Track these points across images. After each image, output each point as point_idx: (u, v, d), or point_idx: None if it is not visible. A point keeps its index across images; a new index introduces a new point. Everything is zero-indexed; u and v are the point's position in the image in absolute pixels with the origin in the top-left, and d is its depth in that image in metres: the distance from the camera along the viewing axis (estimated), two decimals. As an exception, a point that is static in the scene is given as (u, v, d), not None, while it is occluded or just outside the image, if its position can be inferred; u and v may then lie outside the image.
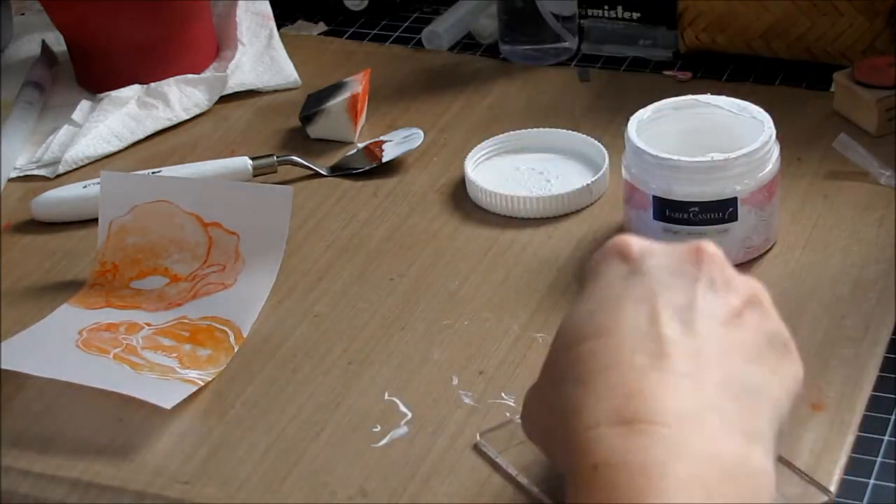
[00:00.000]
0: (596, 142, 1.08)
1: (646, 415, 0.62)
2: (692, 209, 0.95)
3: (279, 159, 1.11)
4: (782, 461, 0.79)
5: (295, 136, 1.17)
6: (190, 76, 1.22)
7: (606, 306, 0.68)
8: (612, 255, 0.70)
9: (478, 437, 0.84)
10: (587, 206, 1.04)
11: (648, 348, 0.65)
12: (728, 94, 1.00)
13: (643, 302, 0.67)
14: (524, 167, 1.08)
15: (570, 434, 0.64)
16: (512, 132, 1.11)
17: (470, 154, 1.08)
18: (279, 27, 1.30)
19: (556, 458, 0.67)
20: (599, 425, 0.63)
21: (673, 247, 0.70)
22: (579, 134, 1.09)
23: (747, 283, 0.71)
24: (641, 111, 0.99)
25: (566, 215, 1.04)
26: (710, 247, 0.70)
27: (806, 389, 0.85)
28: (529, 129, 1.11)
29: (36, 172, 1.15)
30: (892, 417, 0.85)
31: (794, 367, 0.70)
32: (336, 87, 1.17)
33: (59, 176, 1.14)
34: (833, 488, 0.79)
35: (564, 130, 1.10)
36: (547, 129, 1.11)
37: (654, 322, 0.66)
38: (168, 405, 0.86)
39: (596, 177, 1.04)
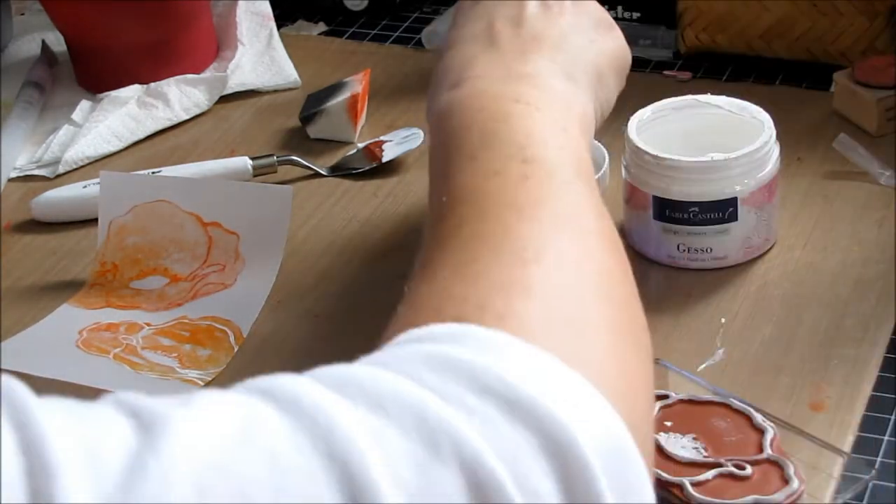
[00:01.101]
0: (596, 142, 1.08)
1: (474, 72, 0.79)
2: (692, 209, 0.94)
3: (279, 159, 1.11)
4: (795, 429, 0.81)
5: (295, 136, 1.17)
6: (190, 76, 1.22)
7: (455, 28, 0.85)
8: None
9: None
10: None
11: (481, 42, 0.81)
12: (728, 94, 1.00)
13: (482, 18, 0.83)
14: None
15: (429, 109, 0.80)
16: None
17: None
18: (279, 27, 1.30)
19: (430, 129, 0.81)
20: (442, 95, 0.78)
21: None
22: (579, 134, 1.09)
23: None
24: (641, 111, 0.99)
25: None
26: None
27: (806, 390, 0.85)
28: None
29: (36, 172, 1.15)
30: (892, 417, 0.85)
31: (617, 40, 0.87)
32: (336, 87, 1.17)
33: (59, 176, 1.14)
34: (833, 488, 0.79)
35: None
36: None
37: (489, 26, 0.82)
38: (168, 405, 0.86)
39: (594, 178, 1.04)
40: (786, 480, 0.78)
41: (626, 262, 0.69)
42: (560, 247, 0.65)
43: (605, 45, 0.85)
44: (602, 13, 0.87)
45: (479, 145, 0.72)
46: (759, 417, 0.82)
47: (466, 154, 0.72)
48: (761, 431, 0.81)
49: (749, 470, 0.79)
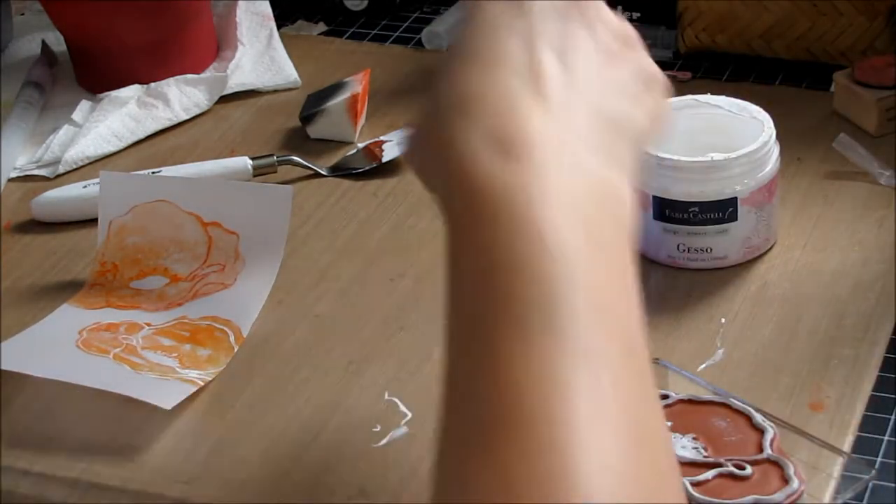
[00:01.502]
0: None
1: (519, 135, 0.63)
2: (692, 209, 0.95)
3: (279, 159, 1.11)
4: (794, 429, 0.81)
5: (295, 136, 1.17)
6: (190, 76, 1.22)
7: (484, 34, 0.68)
8: None
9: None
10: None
11: (522, 74, 0.65)
12: (728, 94, 1.00)
13: (519, 32, 0.67)
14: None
15: (445, 158, 0.64)
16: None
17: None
18: (279, 27, 1.30)
19: (434, 188, 0.67)
20: (478, 149, 0.62)
21: None
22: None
23: (622, 24, 0.73)
24: (641, 111, 0.99)
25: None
26: None
27: (806, 390, 0.85)
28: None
29: (36, 172, 1.15)
30: (892, 417, 0.85)
31: (660, 103, 0.73)
32: (336, 87, 1.17)
33: (59, 176, 1.14)
34: (833, 488, 0.79)
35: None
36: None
37: (531, 52, 0.66)
38: (168, 405, 0.86)
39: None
40: (786, 480, 0.78)
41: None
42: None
43: (649, 106, 0.72)
44: (650, 63, 0.75)
45: (527, 285, 0.59)
46: (758, 417, 0.82)
47: (507, 314, 0.58)
48: (761, 431, 0.81)
49: (749, 470, 0.79)
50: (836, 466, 0.80)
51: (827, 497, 0.79)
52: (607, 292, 0.60)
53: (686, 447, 0.81)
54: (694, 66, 1.21)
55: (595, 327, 0.58)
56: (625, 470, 0.55)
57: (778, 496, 0.77)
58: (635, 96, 0.70)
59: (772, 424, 0.82)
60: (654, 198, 0.95)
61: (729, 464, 0.79)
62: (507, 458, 0.55)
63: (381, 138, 1.14)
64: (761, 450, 0.80)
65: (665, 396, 0.84)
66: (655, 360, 0.88)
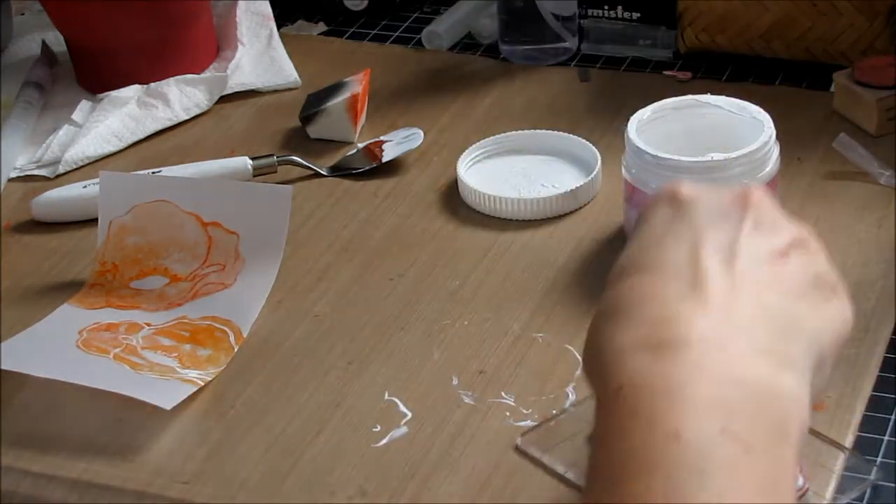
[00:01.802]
0: (590, 144, 1.08)
1: (673, 339, 0.62)
2: (692, 209, 0.94)
3: (279, 159, 1.11)
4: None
5: (295, 136, 1.17)
6: (190, 76, 1.22)
7: (649, 244, 0.68)
8: (662, 198, 0.70)
9: (518, 440, 0.84)
10: (582, 207, 1.04)
11: (685, 279, 0.65)
12: (728, 94, 1.00)
13: (685, 240, 0.67)
14: (517, 169, 1.08)
15: (601, 359, 0.64)
16: (506, 134, 1.11)
17: (462, 155, 1.09)
18: (279, 27, 1.30)
19: (593, 387, 0.66)
20: (626, 350, 0.63)
21: (722, 190, 0.70)
22: (574, 136, 1.09)
23: (795, 227, 0.70)
24: (641, 111, 0.99)
25: (566, 215, 1.04)
26: (759, 191, 0.70)
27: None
28: (524, 131, 1.11)
29: (36, 172, 1.15)
30: (892, 417, 0.85)
31: (841, 310, 0.69)
32: (336, 87, 1.17)
33: (59, 176, 1.14)
34: (833, 488, 0.79)
35: (559, 132, 1.10)
36: (542, 131, 1.11)
37: (694, 257, 0.66)
38: (168, 406, 0.86)
39: (581, 183, 1.04)
40: None
41: None
42: None
43: (829, 315, 0.68)
44: (828, 267, 0.70)
45: (661, 496, 0.58)
46: None
47: (641, 496, 0.58)
48: None
49: None
50: (840, 464, 0.80)
51: (828, 495, 0.79)
52: (745, 501, 0.58)
53: None
54: (694, 66, 1.21)
55: None
56: None
57: None
58: (809, 298, 0.67)
59: None
60: (654, 198, 0.95)
61: None
62: None
63: (381, 138, 1.14)
64: None
65: None
66: None
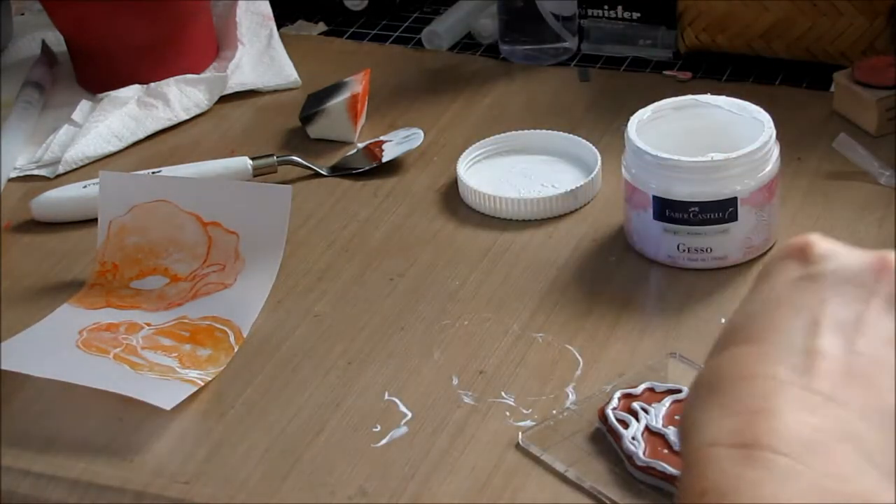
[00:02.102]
0: (590, 144, 1.08)
1: (768, 439, 0.55)
2: (692, 209, 0.95)
3: (279, 159, 1.11)
4: None
5: (295, 136, 1.17)
6: (190, 76, 1.22)
7: (765, 309, 0.60)
8: (791, 253, 0.62)
9: (520, 438, 0.84)
10: (582, 207, 1.04)
11: (795, 361, 0.57)
12: (728, 94, 1.00)
13: (806, 310, 0.58)
14: (516, 169, 1.08)
15: (687, 448, 0.57)
16: (506, 134, 1.11)
17: (462, 155, 1.09)
18: (279, 27, 1.30)
19: (682, 473, 0.60)
20: (716, 444, 0.56)
21: (859, 254, 0.61)
22: (574, 136, 1.09)
23: None
24: (641, 111, 0.99)
25: (566, 215, 1.04)
26: None
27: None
28: (524, 131, 1.11)
29: (36, 172, 1.15)
30: (892, 417, 0.85)
31: None
32: (336, 87, 1.17)
33: (59, 176, 1.14)
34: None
35: (559, 132, 1.10)
36: (541, 131, 1.11)
37: (811, 333, 0.57)
38: (168, 406, 0.86)
39: (581, 183, 1.04)
40: None
41: None
42: None
43: None
44: None
45: None
46: None
47: None
48: None
49: None
50: None
51: None
52: None
53: None
54: (694, 66, 1.21)
55: None
56: None
57: None
58: None
59: None
60: (654, 198, 0.95)
61: None
62: None
63: (381, 138, 1.14)
64: None
65: (678, 391, 0.84)
66: (672, 354, 0.88)
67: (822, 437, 0.55)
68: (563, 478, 0.81)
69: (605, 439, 0.83)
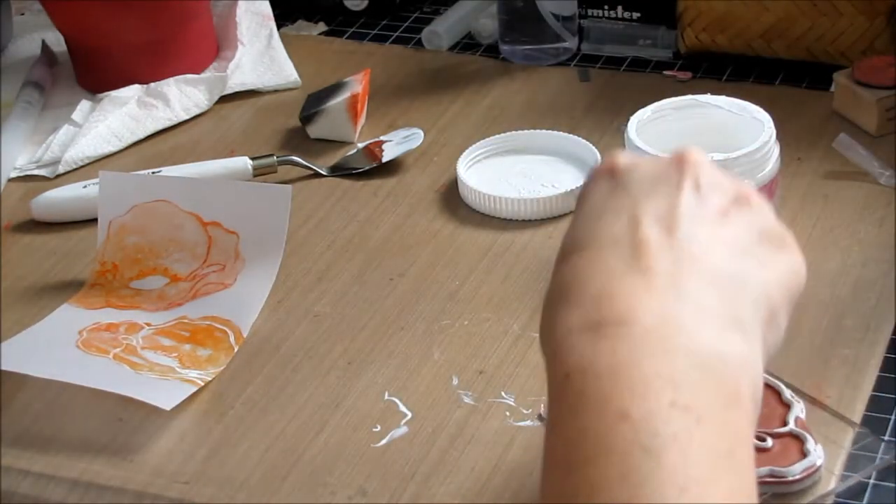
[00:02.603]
0: (590, 144, 1.08)
1: (614, 316, 0.61)
2: (692, 209, 0.94)
3: (279, 159, 1.11)
4: (806, 397, 0.83)
5: (295, 136, 1.17)
6: (190, 76, 1.22)
7: (588, 220, 0.66)
8: (600, 172, 0.69)
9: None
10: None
11: (624, 253, 0.63)
12: (728, 94, 1.00)
13: (624, 211, 0.65)
14: (517, 169, 1.08)
15: (548, 345, 0.63)
16: (506, 134, 1.11)
17: (463, 155, 1.09)
18: (279, 27, 1.30)
19: (547, 372, 0.65)
20: (571, 333, 0.61)
21: (658, 158, 0.69)
22: (574, 136, 1.09)
23: (735, 184, 0.68)
24: (641, 111, 0.99)
25: (566, 215, 1.04)
26: (695, 152, 0.68)
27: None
28: (524, 131, 1.11)
29: (36, 172, 1.15)
30: (892, 417, 0.85)
31: (791, 261, 0.67)
32: (336, 87, 1.17)
33: (59, 176, 1.14)
34: (855, 464, 0.79)
35: (559, 132, 1.10)
36: (541, 131, 1.11)
37: (633, 228, 0.64)
38: (168, 406, 0.86)
39: (581, 183, 1.04)
40: (804, 454, 0.79)
41: None
42: None
43: (777, 267, 0.66)
44: (773, 221, 0.68)
45: (618, 479, 0.56)
46: (787, 392, 0.83)
47: (597, 480, 0.57)
48: (788, 406, 0.82)
49: (769, 442, 0.80)
50: (848, 440, 0.81)
51: (837, 470, 0.79)
52: (703, 473, 0.56)
53: None
54: (694, 66, 1.21)
55: None
56: None
57: (794, 468, 0.78)
58: (756, 254, 0.65)
59: (800, 400, 0.82)
60: (654, 198, 0.95)
61: None
62: None
63: (381, 138, 1.14)
64: (785, 423, 0.81)
65: None
66: None
67: (662, 306, 0.61)
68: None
69: None
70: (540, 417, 0.84)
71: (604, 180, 0.68)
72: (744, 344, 0.62)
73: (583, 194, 0.69)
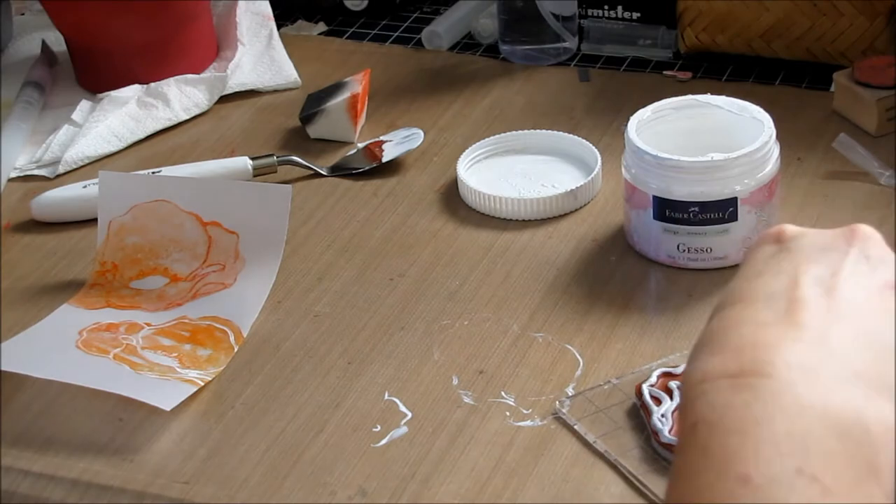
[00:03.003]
0: (590, 144, 1.08)
1: (754, 366, 0.58)
2: (692, 209, 0.95)
3: (279, 159, 1.11)
4: None
5: (295, 136, 1.17)
6: (190, 76, 1.22)
7: (748, 278, 0.65)
8: (766, 237, 0.68)
9: (556, 404, 0.85)
10: (582, 207, 1.04)
11: (778, 307, 0.61)
12: (728, 94, 1.00)
13: (784, 273, 0.64)
14: (517, 169, 1.08)
15: (683, 392, 0.61)
16: (506, 134, 1.11)
17: (462, 155, 1.09)
18: (279, 27, 1.30)
19: (679, 422, 0.64)
20: (706, 380, 0.59)
21: (828, 230, 0.67)
22: (574, 136, 1.09)
23: None
24: (641, 111, 0.99)
25: (566, 215, 1.04)
26: (867, 228, 0.66)
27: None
28: (524, 131, 1.11)
29: (36, 172, 1.15)
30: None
31: None
32: (336, 87, 1.17)
33: (59, 176, 1.14)
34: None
35: (559, 132, 1.10)
36: (542, 131, 1.11)
37: (791, 286, 0.62)
38: (167, 407, 0.86)
39: (581, 183, 1.04)
40: None
41: None
42: None
43: None
44: None
45: None
46: None
47: None
48: None
49: None
50: None
51: None
52: None
53: None
54: (694, 66, 1.21)
55: None
56: None
57: None
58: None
59: None
60: (654, 198, 0.95)
61: None
62: None
63: (381, 138, 1.14)
64: None
65: None
66: None
67: (807, 360, 0.58)
68: (590, 446, 0.82)
69: (638, 414, 0.84)
70: (657, 440, 0.82)
71: (769, 245, 0.67)
72: (888, 410, 0.57)
73: (746, 256, 0.68)
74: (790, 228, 0.67)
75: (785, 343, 0.59)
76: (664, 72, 1.21)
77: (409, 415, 0.87)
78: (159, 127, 1.19)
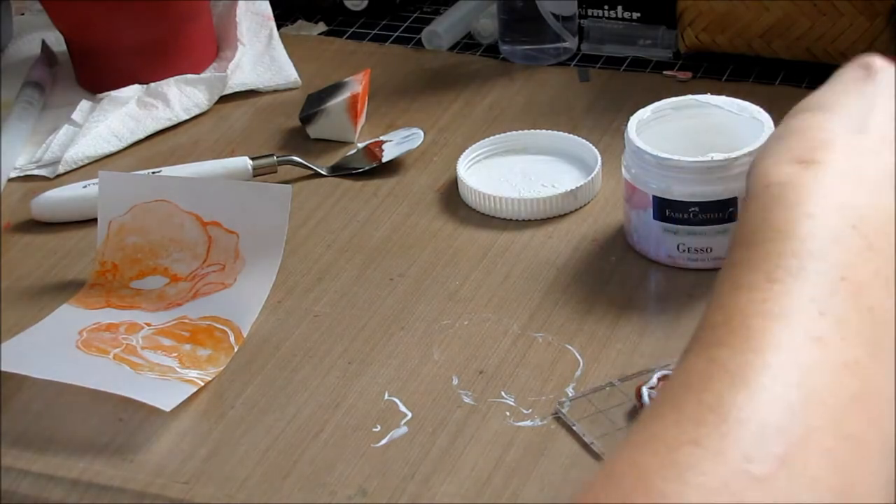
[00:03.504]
0: (590, 144, 1.08)
1: (822, 154, 0.66)
2: (692, 209, 0.95)
3: (279, 159, 1.11)
4: None
5: (295, 136, 1.17)
6: (190, 76, 1.22)
7: (833, 90, 0.72)
8: (856, 64, 0.73)
9: (557, 404, 0.85)
10: (582, 207, 1.04)
11: (851, 123, 0.68)
12: (728, 94, 1.00)
13: (867, 97, 0.70)
14: (517, 169, 1.08)
15: (756, 170, 0.68)
16: (506, 134, 1.11)
17: (463, 155, 1.09)
18: (279, 27, 1.30)
19: (747, 196, 0.69)
20: (780, 162, 0.66)
21: None
22: (574, 136, 1.09)
23: None
24: (641, 111, 0.99)
25: (566, 215, 1.04)
26: None
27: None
28: (524, 131, 1.11)
29: (36, 172, 1.15)
30: (892, 417, 0.85)
31: None
32: (336, 87, 1.17)
33: (59, 176, 1.14)
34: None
35: (559, 132, 1.10)
36: (541, 131, 1.11)
37: (869, 112, 0.69)
38: (167, 407, 0.86)
39: (581, 183, 1.04)
40: None
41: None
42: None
43: None
44: None
45: (774, 256, 0.61)
46: None
47: (753, 262, 0.62)
48: None
49: None
50: None
51: None
52: (861, 277, 0.60)
53: None
54: (694, 66, 1.21)
55: (836, 298, 0.59)
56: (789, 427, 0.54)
57: None
58: None
59: None
60: (654, 198, 0.95)
61: None
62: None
63: (381, 138, 1.14)
64: None
65: None
66: None
67: (863, 163, 0.65)
68: (588, 447, 0.82)
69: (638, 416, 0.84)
70: (638, 397, 0.84)
71: (858, 70, 0.72)
72: None
73: (833, 77, 0.73)
74: (879, 60, 0.72)
75: (849, 152, 0.66)
76: (664, 72, 1.21)
77: (409, 415, 0.87)
78: (159, 127, 1.19)
